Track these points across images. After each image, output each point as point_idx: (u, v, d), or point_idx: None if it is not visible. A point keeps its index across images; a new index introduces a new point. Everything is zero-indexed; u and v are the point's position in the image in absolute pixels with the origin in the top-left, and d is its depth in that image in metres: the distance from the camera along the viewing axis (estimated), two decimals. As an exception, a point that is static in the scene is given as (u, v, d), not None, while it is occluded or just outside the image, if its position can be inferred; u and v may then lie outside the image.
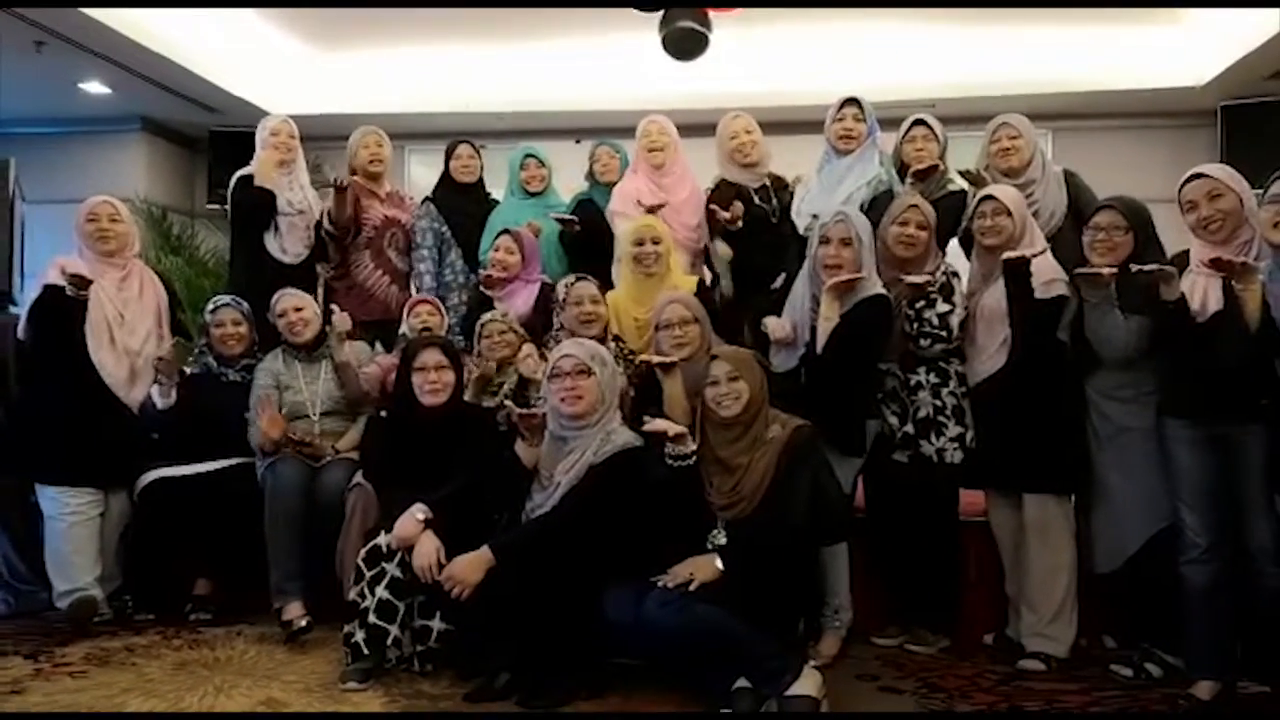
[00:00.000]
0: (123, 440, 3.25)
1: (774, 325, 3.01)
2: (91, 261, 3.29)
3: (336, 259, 3.93)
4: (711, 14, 4.23)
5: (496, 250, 3.61)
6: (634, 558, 2.56)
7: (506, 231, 3.67)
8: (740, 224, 3.47)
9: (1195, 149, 6.05)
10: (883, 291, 2.86)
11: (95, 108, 6.22)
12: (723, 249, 3.51)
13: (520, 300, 3.61)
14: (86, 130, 6.49)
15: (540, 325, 3.54)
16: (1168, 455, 2.60)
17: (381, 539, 2.67)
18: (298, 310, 3.36)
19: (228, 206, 3.86)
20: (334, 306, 3.50)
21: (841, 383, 2.82)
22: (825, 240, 2.88)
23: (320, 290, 3.88)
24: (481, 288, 3.65)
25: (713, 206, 3.52)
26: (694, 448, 2.59)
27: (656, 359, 2.82)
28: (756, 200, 3.57)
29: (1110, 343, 2.67)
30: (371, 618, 2.62)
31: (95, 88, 5.90)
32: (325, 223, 3.83)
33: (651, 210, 3.51)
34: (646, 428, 2.60)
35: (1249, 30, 5.04)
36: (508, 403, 3.14)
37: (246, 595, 3.27)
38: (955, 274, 3.00)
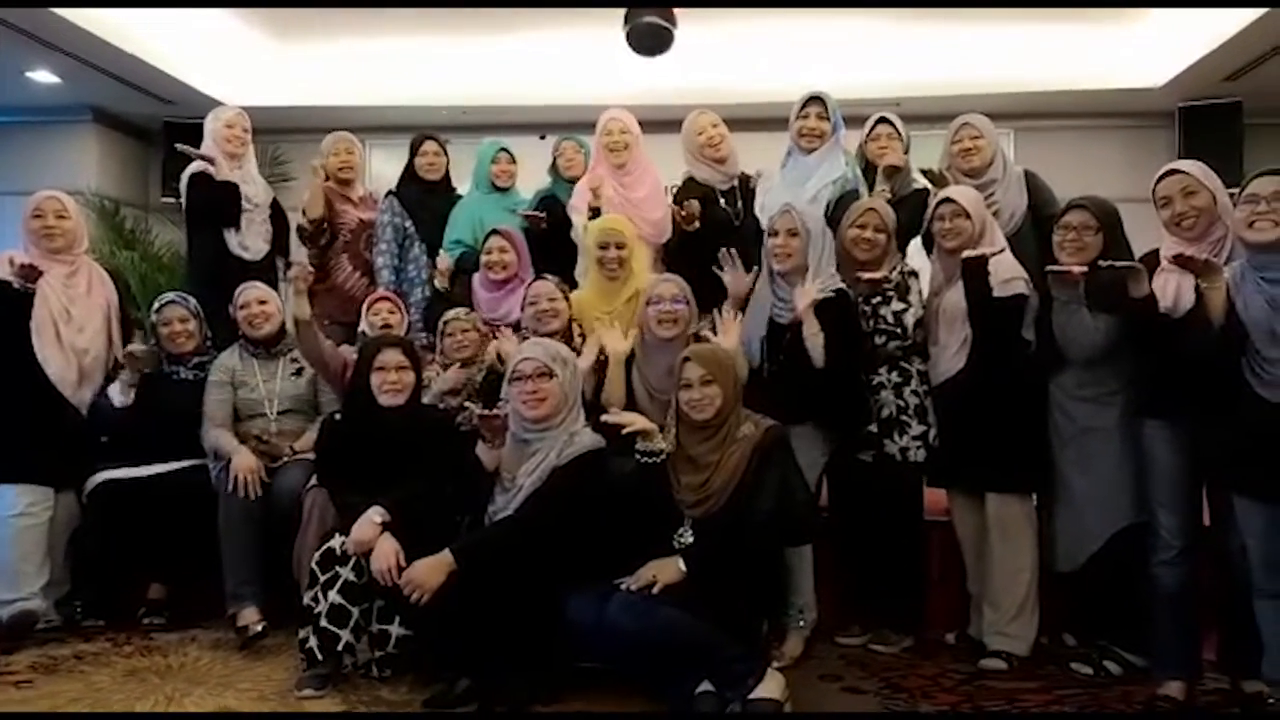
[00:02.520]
0: (69, 440, 3.16)
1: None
2: (37, 258, 3.18)
3: (316, 261, 3.89)
4: (676, 10, 4.19)
5: (490, 253, 3.52)
6: (597, 560, 2.53)
7: (496, 232, 3.59)
8: (698, 225, 3.42)
9: (1154, 149, 6.13)
10: (842, 286, 2.89)
11: (44, 97, 6.04)
12: None
13: (517, 299, 3.52)
14: (35, 120, 6.31)
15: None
16: (1145, 456, 2.60)
17: (335, 542, 2.61)
18: (261, 303, 3.31)
19: (182, 202, 3.78)
20: (294, 259, 3.39)
21: (841, 381, 2.85)
22: (773, 232, 2.93)
23: (286, 286, 3.81)
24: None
25: (673, 206, 3.49)
26: (664, 445, 2.58)
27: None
28: (722, 203, 3.53)
29: (1077, 342, 2.68)
30: (323, 622, 2.56)
31: (44, 76, 5.73)
32: (301, 220, 3.81)
33: (594, 213, 3.47)
34: (608, 418, 2.58)
35: (1206, 33, 5.12)
36: (469, 404, 3.09)
37: (201, 600, 3.19)
38: (913, 273, 3.01)
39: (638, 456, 2.57)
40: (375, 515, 2.59)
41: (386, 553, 2.51)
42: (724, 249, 3.09)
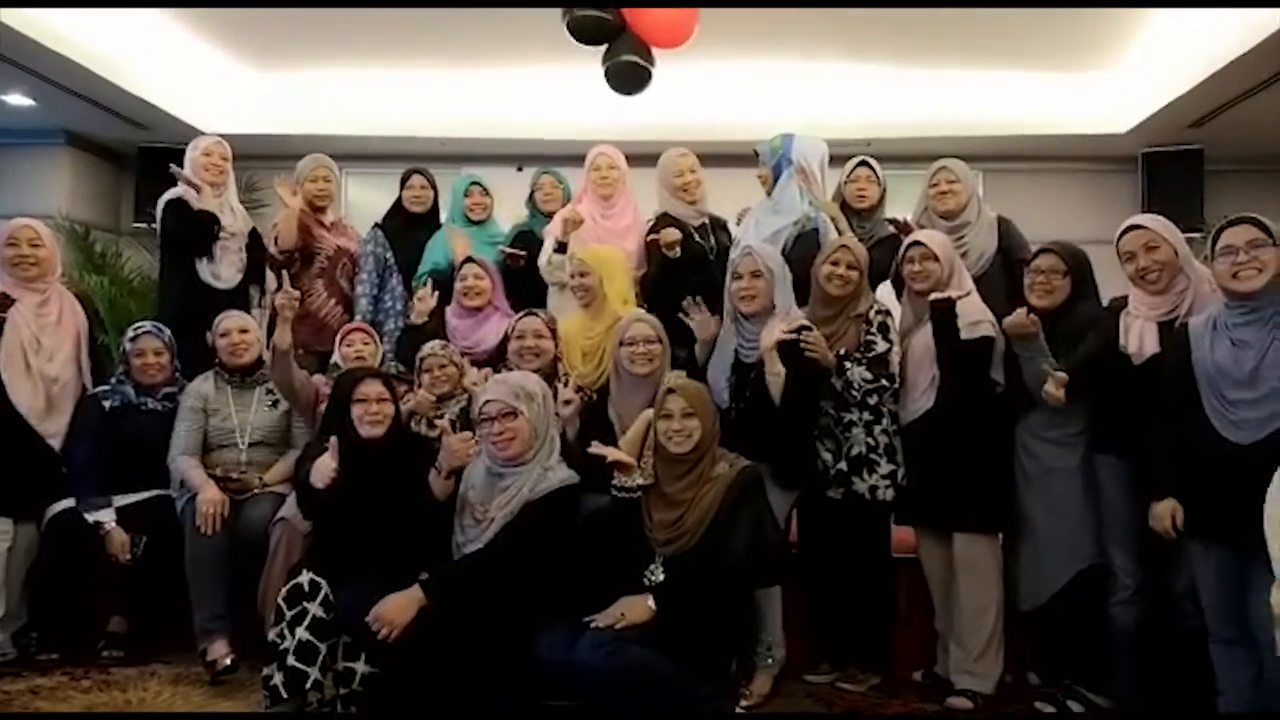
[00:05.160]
0: (32, 470, 3.11)
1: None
2: (10, 287, 3.17)
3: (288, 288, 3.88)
4: (654, 50, 4.25)
5: (465, 279, 3.56)
6: (568, 596, 2.52)
7: (471, 260, 3.63)
8: (678, 251, 3.46)
9: (1118, 193, 6.28)
10: (805, 322, 2.92)
11: (16, 120, 5.98)
12: None
13: (492, 327, 3.54)
14: (7, 143, 6.24)
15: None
16: (1098, 494, 2.66)
17: (303, 577, 2.58)
18: (242, 332, 3.29)
19: (157, 229, 3.76)
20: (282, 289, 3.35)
21: (798, 423, 2.88)
22: (737, 276, 2.97)
23: (260, 314, 3.79)
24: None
25: (652, 237, 3.53)
26: (639, 481, 2.59)
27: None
28: (696, 238, 3.57)
29: (1039, 388, 2.72)
30: (291, 659, 2.52)
31: (16, 99, 5.68)
32: (272, 247, 3.80)
33: (561, 247, 3.55)
34: (593, 450, 2.59)
35: (1171, 80, 5.25)
36: (439, 421, 3.07)
37: (163, 632, 3.15)
38: (887, 312, 3.06)
39: (614, 491, 2.58)
40: (330, 454, 2.70)
41: (326, 464, 2.68)
42: (688, 298, 3.13)
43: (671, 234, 3.45)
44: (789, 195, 3.38)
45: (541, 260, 3.66)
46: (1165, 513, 2.40)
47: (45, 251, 3.27)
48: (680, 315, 3.15)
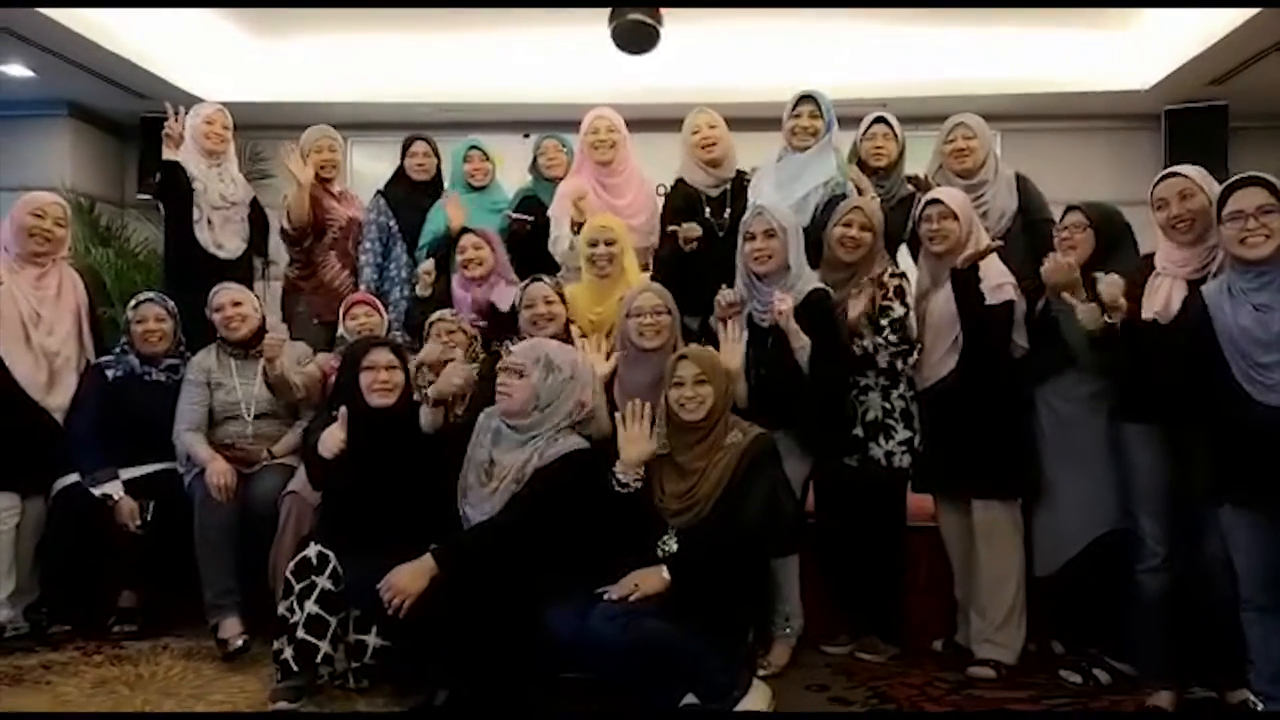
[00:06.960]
0: (38, 445, 3.07)
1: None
2: (14, 258, 3.13)
3: (301, 259, 3.86)
4: (663, 9, 4.15)
5: (464, 251, 3.49)
6: (580, 567, 2.48)
7: (468, 230, 3.56)
8: (695, 246, 3.31)
9: (1140, 152, 6.14)
10: (819, 285, 2.84)
11: (17, 91, 5.91)
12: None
13: (496, 297, 3.48)
14: (8, 115, 6.17)
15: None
16: (1127, 461, 2.58)
17: (310, 550, 2.54)
18: (236, 305, 3.23)
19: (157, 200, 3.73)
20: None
21: (826, 389, 2.81)
22: (750, 235, 2.86)
23: (263, 285, 3.75)
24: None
25: (671, 228, 3.38)
26: (637, 478, 2.51)
27: None
28: (707, 212, 3.42)
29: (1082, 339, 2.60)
30: (300, 633, 2.48)
31: (17, 70, 5.61)
32: (283, 222, 3.76)
33: (576, 228, 3.42)
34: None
35: (1193, 36, 5.11)
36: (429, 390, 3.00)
37: (173, 607, 3.13)
38: (904, 275, 2.98)
39: (615, 485, 2.52)
40: (338, 426, 2.69)
41: (335, 435, 2.67)
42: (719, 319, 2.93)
43: (691, 230, 3.31)
44: (826, 157, 3.26)
45: (562, 245, 3.54)
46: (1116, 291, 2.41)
47: (64, 231, 3.24)
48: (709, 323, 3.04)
